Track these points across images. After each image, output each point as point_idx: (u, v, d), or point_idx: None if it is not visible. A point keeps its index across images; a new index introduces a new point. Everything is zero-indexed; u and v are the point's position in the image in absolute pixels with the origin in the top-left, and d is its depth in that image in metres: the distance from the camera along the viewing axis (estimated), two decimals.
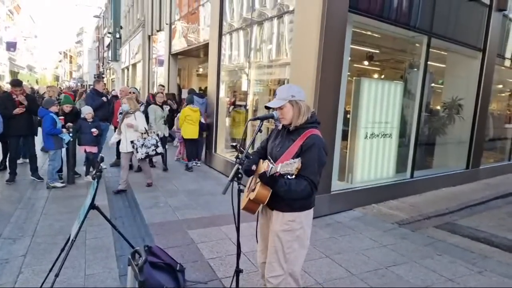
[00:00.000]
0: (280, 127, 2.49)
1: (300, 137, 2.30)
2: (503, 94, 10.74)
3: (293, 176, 2.03)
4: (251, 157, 2.52)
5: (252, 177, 2.53)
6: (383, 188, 6.26)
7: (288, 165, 2.02)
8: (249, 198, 2.37)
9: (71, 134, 6.13)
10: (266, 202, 2.29)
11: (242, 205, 2.48)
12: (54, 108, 5.98)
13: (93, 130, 6.37)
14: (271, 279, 2.38)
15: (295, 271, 2.41)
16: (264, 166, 2.34)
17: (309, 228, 2.45)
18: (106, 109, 7.69)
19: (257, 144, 8.12)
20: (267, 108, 2.42)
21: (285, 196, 2.23)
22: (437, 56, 7.51)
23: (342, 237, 4.56)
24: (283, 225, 2.34)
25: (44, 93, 10.55)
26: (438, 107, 8.49)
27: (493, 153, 10.05)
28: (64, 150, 6.29)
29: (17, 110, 5.97)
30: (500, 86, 10.07)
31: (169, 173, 7.56)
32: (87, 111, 6.50)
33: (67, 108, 6.52)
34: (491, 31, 7.76)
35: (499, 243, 4.90)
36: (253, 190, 2.36)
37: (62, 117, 6.32)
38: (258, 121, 2.53)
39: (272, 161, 2.37)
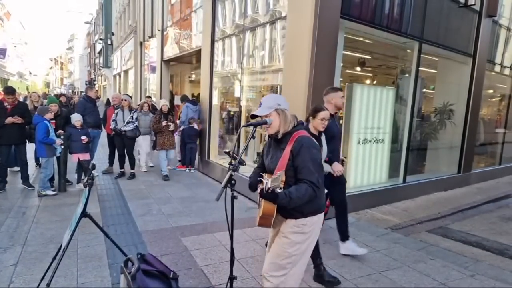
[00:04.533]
0: (266, 137, 2.51)
1: (289, 142, 2.32)
2: (493, 99, 10.89)
3: (281, 188, 2.04)
4: (252, 174, 2.55)
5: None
6: (376, 193, 6.29)
7: (274, 180, 2.04)
8: (259, 215, 2.38)
9: (62, 141, 6.08)
10: (274, 215, 2.28)
11: (256, 221, 2.48)
12: (49, 115, 5.92)
13: (83, 137, 6.32)
14: (272, 278, 2.36)
15: (298, 275, 2.40)
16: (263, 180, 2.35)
17: (318, 234, 2.47)
18: (97, 116, 7.66)
19: (250, 150, 8.12)
20: (253, 117, 2.43)
21: (290, 206, 2.23)
22: (429, 62, 7.61)
23: (335, 243, 4.55)
24: (293, 227, 2.35)
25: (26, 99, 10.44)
26: (430, 113, 8.58)
27: (484, 158, 10.18)
28: (55, 157, 6.23)
29: (11, 120, 5.89)
30: (490, 91, 10.22)
31: (161, 180, 7.52)
32: (76, 119, 6.45)
33: (53, 107, 6.36)
34: (481, 37, 7.89)
35: (490, 247, 4.95)
36: (260, 207, 2.37)
37: (53, 121, 6.26)
38: (251, 127, 2.53)
39: (266, 176, 2.37)
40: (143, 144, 8.09)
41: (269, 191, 2.15)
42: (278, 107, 2.36)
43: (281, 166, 2.26)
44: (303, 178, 2.23)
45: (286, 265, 2.35)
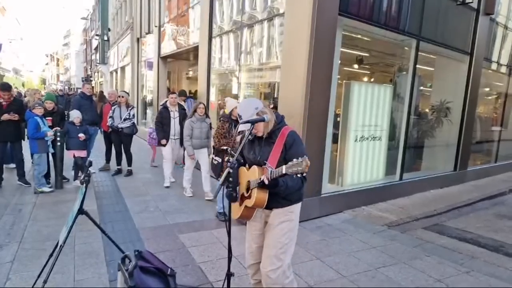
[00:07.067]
0: (251, 137, 2.56)
1: (279, 137, 2.43)
2: (489, 97, 10.93)
3: (304, 174, 2.10)
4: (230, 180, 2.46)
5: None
6: (372, 191, 6.31)
7: (296, 165, 2.07)
8: (246, 206, 2.45)
9: (58, 138, 6.05)
10: (264, 205, 2.39)
11: (236, 214, 2.56)
12: (36, 111, 5.87)
13: (80, 135, 6.29)
14: (270, 273, 2.45)
15: (288, 260, 2.53)
16: (255, 172, 2.40)
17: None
18: (94, 113, 7.61)
19: None
20: (241, 132, 2.49)
21: (284, 194, 2.36)
22: (426, 59, 7.62)
23: (332, 240, 4.58)
24: (282, 217, 2.48)
25: (25, 96, 10.36)
26: (427, 110, 8.60)
27: (480, 155, 10.22)
28: (51, 154, 6.20)
29: (7, 116, 5.86)
30: (487, 89, 10.26)
31: (158, 177, 7.51)
32: (75, 116, 6.42)
33: (47, 104, 6.30)
34: (478, 35, 7.91)
35: (485, 244, 4.99)
36: (248, 198, 2.43)
37: (49, 118, 6.22)
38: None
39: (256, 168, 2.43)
40: (203, 159, 6.00)
41: (271, 179, 2.22)
42: (256, 111, 2.43)
43: (274, 158, 2.37)
44: None
45: (280, 255, 2.46)
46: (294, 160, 2.09)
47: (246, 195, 2.47)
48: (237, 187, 2.56)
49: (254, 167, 2.44)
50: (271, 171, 2.23)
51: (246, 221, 2.68)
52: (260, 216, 2.59)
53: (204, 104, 6.05)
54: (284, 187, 2.28)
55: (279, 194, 2.35)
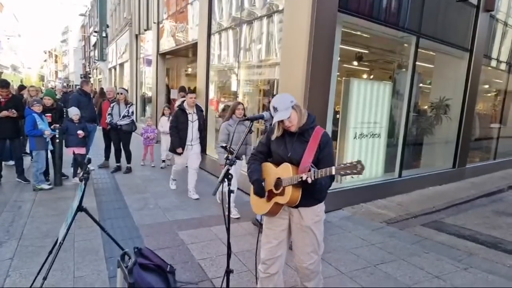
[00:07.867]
0: (280, 133, 2.54)
1: (313, 136, 2.45)
2: (489, 94, 10.92)
3: (358, 175, 2.13)
4: (256, 170, 2.61)
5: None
6: (371, 188, 6.32)
7: (350, 168, 2.10)
8: (276, 202, 2.47)
9: (57, 135, 6.04)
10: (297, 203, 2.42)
11: (263, 210, 2.57)
12: (35, 108, 5.85)
13: (79, 132, 6.28)
14: (310, 266, 2.59)
15: (322, 251, 2.67)
16: (288, 170, 2.40)
17: None
18: (93, 110, 7.59)
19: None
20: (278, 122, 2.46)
21: (318, 191, 2.43)
22: (426, 56, 7.60)
23: (331, 236, 4.59)
24: (314, 217, 2.54)
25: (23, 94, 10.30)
26: (426, 107, 8.61)
27: (479, 153, 10.23)
28: (50, 151, 6.19)
29: (5, 113, 5.84)
30: (486, 86, 10.25)
31: (158, 174, 7.52)
32: (74, 113, 6.40)
33: (46, 101, 6.26)
34: (478, 31, 7.90)
35: (484, 241, 5.00)
36: (280, 195, 2.44)
37: (49, 114, 6.21)
38: (248, 122, 2.54)
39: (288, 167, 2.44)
40: (237, 170, 5.15)
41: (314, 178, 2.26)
42: (292, 104, 2.42)
43: (309, 156, 2.38)
44: None
45: (317, 250, 2.60)
46: (347, 162, 2.13)
47: (275, 191, 2.48)
48: (263, 183, 2.57)
49: (287, 164, 2.43)
50: (314, 171, 2.25)
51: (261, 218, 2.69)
52: (285, 213, 2.60)
53: (243, 105, 5.20)
54: (319, 185, 2.34)
55: (312, 193, 2.40)
